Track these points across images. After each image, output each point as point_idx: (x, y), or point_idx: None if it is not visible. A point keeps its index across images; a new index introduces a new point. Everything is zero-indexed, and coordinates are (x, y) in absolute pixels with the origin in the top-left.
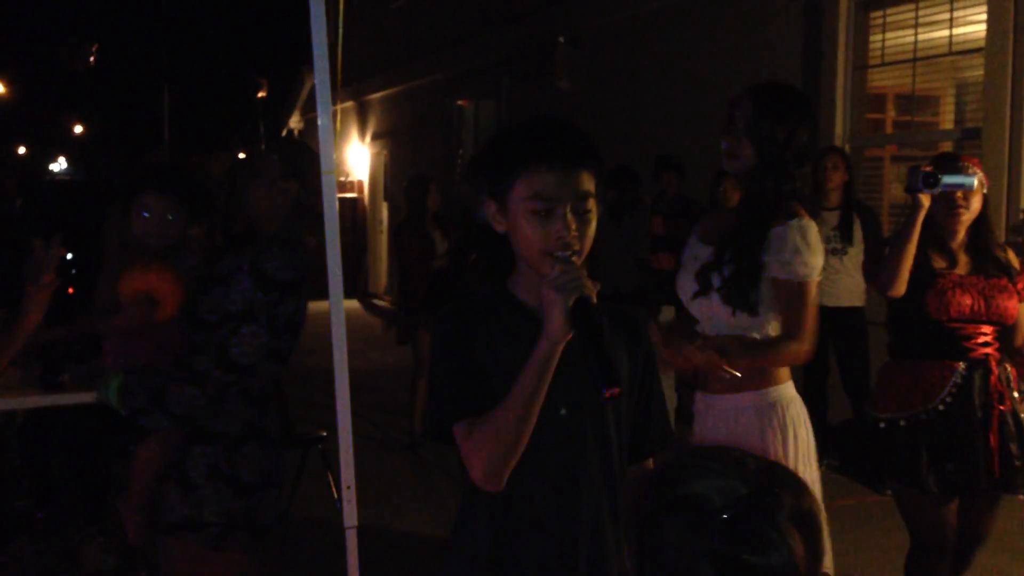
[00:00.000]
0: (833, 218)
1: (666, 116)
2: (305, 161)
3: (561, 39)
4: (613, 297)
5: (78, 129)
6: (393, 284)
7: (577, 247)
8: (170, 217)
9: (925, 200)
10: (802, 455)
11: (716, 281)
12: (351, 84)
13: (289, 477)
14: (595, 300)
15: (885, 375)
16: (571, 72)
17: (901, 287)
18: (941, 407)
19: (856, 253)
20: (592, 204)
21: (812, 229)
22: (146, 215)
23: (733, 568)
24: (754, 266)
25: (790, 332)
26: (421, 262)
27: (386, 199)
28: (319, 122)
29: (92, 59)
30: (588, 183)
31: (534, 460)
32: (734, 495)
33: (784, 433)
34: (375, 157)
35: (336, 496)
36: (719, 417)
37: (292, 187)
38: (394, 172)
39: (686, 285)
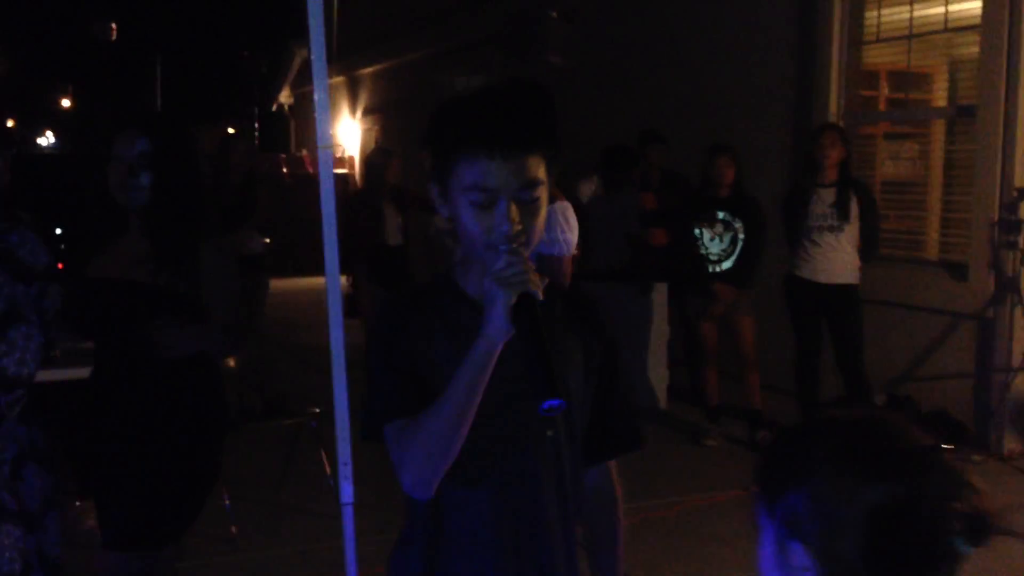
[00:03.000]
0: (829, 195)
1: (658, 92)
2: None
3: (553, 13)
4: (606, 274)
5: (66, 103)
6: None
7: (523, 239)
8: None
9: None
10: None
11: None
12: (342, 59)
13: (281, 454)
14: (541, 296)
15: None
16: (563, 47)
17: None
18: None
19: (851, 230)
20: (541, 191)
21: (570, 209)
22: None
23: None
24: None
25: None
26: (366, 236)
27: None
28: (315, 97)
29: (114, 36)
30: (535, 169)
31: (470, 466)
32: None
33: None
34: (366, 132)
35: (329, 473)
36: None
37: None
38: (386, 146)
39: None
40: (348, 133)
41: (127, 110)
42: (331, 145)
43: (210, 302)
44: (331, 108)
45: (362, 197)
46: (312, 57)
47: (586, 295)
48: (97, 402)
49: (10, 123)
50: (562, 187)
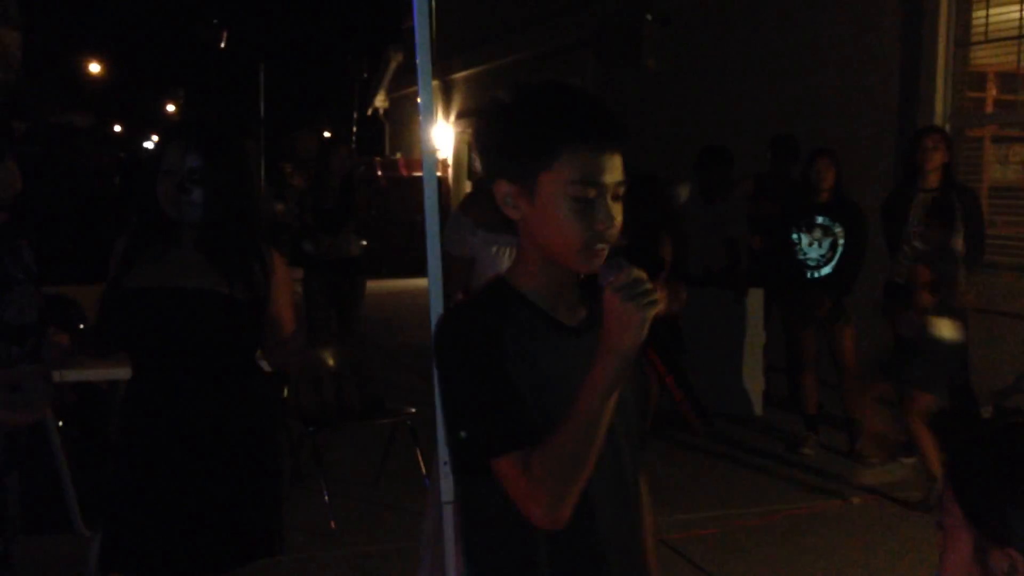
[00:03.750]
0: (928, 199)
1: (756, 95)
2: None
3: (649, 16)
4: (703, 279)
5: (170, 108)
6: None
7: (613, 240)
8: None
9: None
10: None
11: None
12: (435, 63)
13: (378, 452)
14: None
15: None
16: (658, 51)
17: None
18: None
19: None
20: (623, 191)
21: None
22: None
23: None
24: None
25: None
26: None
27: (469, 178)
28: (420, 100)
29: (223, 43)
30: (621, 166)
31: (595, 487)
32: None
33: None
34: (459, 136)
35: (424, 472)
36: None
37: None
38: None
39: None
40: (441, 137)
41: (180, 121)
42: (436, 149)
43: (277, 312)
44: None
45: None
46: (417, 61)
47: None
48: (135, 418)
49: (117, 128)
50: (657, 191)
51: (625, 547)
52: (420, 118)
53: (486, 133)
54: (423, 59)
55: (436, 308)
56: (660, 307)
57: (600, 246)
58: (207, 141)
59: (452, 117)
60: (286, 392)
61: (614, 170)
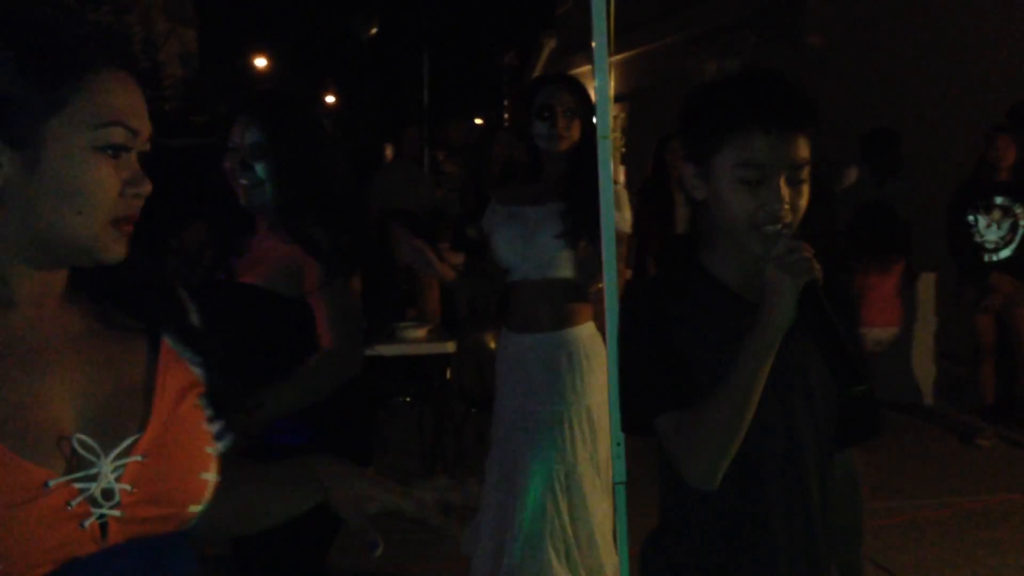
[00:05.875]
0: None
1: (928, 72)
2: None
3: None
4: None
5: (330, 99)
6: None
7: (788, 219)
8: None
9: None
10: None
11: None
12: (589, 49)
13: None
14: (820, 282)
15: None
16: (823, 28)
17: None
18: None
19: None
20: (807, 173)
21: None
22: None
23: None
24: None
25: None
26: (655, 226)
27: (623, 163)
28: (595, 84)
29: (374, 31)
30: (804, 149)
31: (753, 456)
32: None
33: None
34: (614, 120)
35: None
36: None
37: None
38: (634, 135)
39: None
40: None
41: (247, 95)
42: (611, 135)
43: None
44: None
45: (650, 186)
46: (594, 44)
47: (837, 280)
48: None
49: None
50: (825, 173)
51: (796, 528)
52: (595, 102)
53: (680, 118)
54: (599, 43)
55: (611, 289)
56: (818, 275)
57: (771, 228)
58: (269, 114)
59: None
60: (448, 374)
61: (788, 153)
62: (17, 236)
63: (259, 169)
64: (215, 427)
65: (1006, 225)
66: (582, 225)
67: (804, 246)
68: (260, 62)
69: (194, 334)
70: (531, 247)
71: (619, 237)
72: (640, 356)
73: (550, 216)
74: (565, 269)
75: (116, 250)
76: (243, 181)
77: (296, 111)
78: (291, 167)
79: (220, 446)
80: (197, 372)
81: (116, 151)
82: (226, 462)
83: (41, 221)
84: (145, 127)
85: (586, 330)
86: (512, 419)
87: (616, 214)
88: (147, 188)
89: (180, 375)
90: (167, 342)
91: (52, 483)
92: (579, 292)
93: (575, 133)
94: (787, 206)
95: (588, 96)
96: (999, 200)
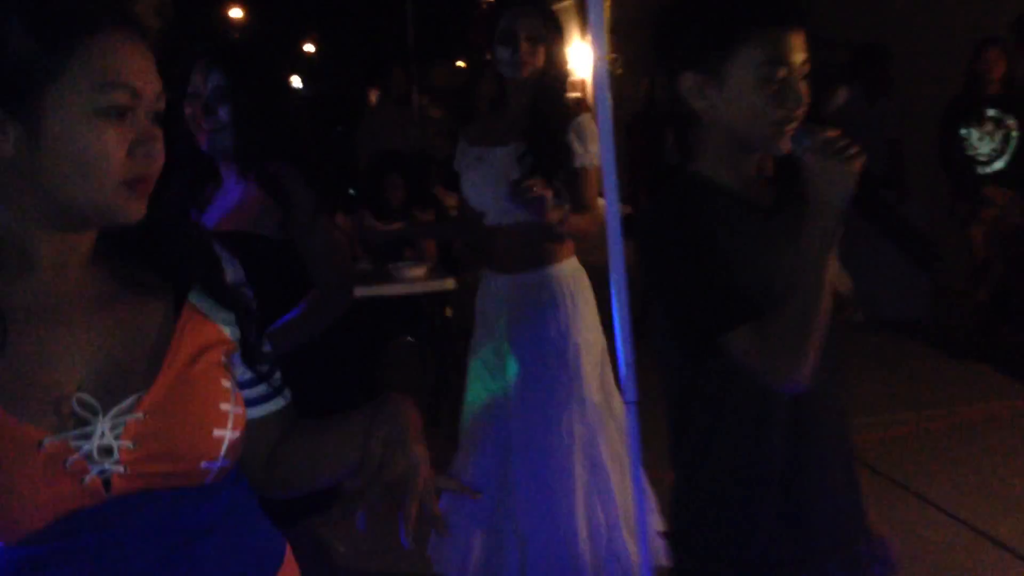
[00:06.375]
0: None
1: None
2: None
3: None
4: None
5: (309, 48)
6: None
7: (801, 119)
8: None
9: None
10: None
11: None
12: None
13: None
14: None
15: None
16: None
17: None
18: None
19: None
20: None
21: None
22: None
23: None
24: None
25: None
26: (646, 156)
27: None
28: (590, 19)
29: None
30: (805, 45)
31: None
32: None
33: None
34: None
35: None
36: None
37: None
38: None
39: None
40: (579, 56)
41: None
42: (608, 57)
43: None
44: (562, 31)
45: (640, 121)
46: None
47: None
48: None
49: None
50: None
51: (831, 419)
52: (591, 37)
53: (666, 28)
54: None
55: (613, 223)
56: (862, 159)
57: (791, 126)
58: (231, 58)
59: (589, 36)
60: (448, 312)
61: (800, 49)
62: (34, 202)
63: (223, 112)
64: (259, 390)
65: (998, 137)
66: (540, 167)
67: (838, 133)
68: (235, 13)
69: (226, 292)
70: (498, 192)
71: (586, 171)
72: (697, 270)
73: (512, 158)
74: None
75: (133, 210)
76: (206, 126)
77: (257, 54)
78: (255, 108)
79: (272, 405)
80: (227, 331)
81: (120, 112)
82: (290, 417)
83: (52, 188)
84: (150, 86)
85: (568, 267)
86: (490, 360)
87: (579, 147)
88: (158, 147)
89: (200, 335)
90: (192, 302)
91: (46, 441)
92: (553, 231)
93: (539, 59)
94: (807, 102)
95: (555, 21)
96: (991, 112)
